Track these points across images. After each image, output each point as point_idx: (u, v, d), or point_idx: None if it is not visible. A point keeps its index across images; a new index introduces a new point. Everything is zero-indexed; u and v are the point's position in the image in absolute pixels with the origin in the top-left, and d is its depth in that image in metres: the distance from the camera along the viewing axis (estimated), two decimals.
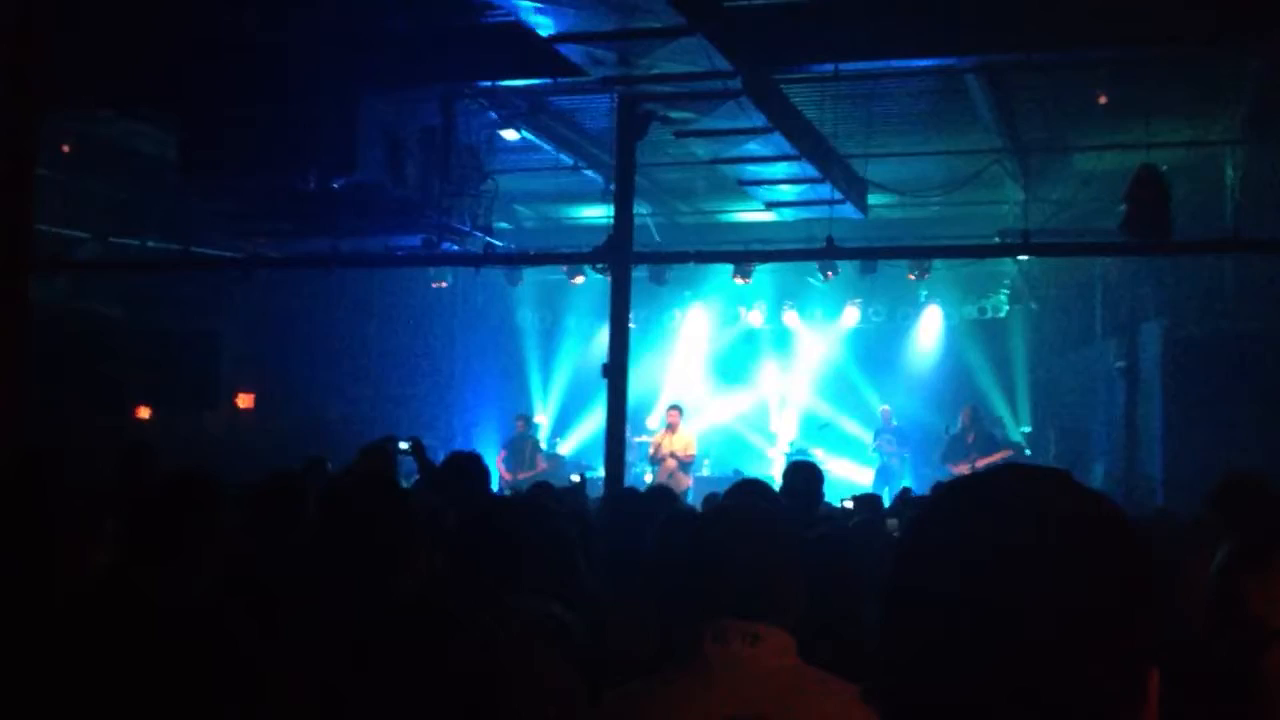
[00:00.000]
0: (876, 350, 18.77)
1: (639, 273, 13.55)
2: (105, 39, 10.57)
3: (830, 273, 15.14)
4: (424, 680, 2.80)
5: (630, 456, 14.77)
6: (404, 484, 7.62)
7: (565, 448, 19.36)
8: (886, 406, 17.62)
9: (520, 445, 17.33)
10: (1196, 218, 12.00)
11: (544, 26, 9.12)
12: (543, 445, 18.58)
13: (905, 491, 10.92)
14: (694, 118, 11.10)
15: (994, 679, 1.15)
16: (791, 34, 10.30)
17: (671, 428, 15.77)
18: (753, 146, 11.89)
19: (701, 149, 12.45)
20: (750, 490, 5.76)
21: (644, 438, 17.21)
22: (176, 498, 3.41)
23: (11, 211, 7.47)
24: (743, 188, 14.03)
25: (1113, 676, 1.16)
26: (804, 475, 7.01)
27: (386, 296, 16.83)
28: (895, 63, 11.11)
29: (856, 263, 14.27)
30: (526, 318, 20.14)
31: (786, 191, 13.66)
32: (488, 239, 13.51)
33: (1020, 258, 15.30)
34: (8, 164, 7.39)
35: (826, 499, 7.83)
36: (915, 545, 1.25)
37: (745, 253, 14.03)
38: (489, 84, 11.89)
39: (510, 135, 13.15)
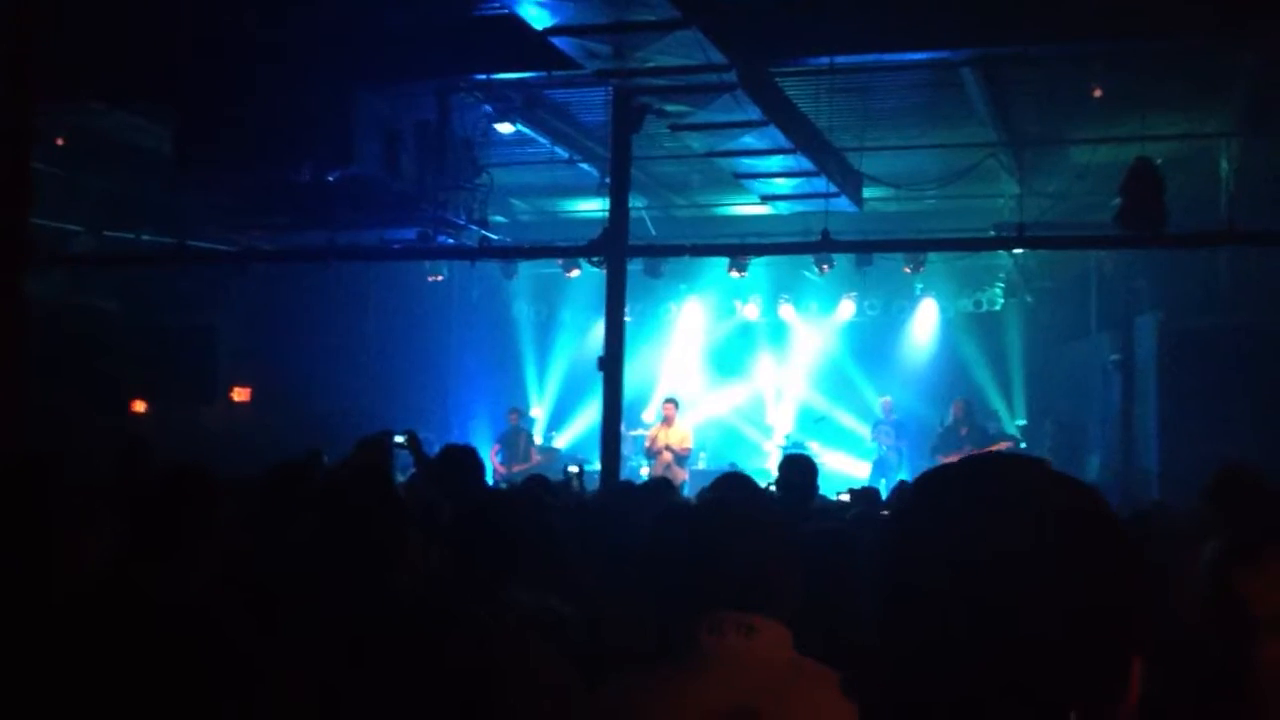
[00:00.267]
0: (872, 343, 18.77)
1: (634, 266, 13.57)
2: (100, 32, 10.55)
3: (826, 266, 15.13)
4: (421, 676, 2.81)
5: (626, 450, 14.78)
6: (400, 477, 7.64)
7: (561, 441, 19.36)
8: (888, 398, 17.61)
9: (514, 439, 17.34)
10: (1191, 211, 12.01)
11: (539, 19, 9.12)
12: (539, 439, 18.59)
13: (902, 484, 10.92)
14: (689, 111, 11.10)
15: (991, 675, 1.15)
16: (787, 27, 10.30)
17: (667, 421, 15.77)
18: (748, 140, 11.89)
19: (697, 142, 12.44)
20: (735, 484, 5.77)
21: (640, 431, 17.23)
22: (173, 494, 3.41)
23: (8, 206, 7.47)
24: (738, 181, 14.02)
25: (1106, 670, 1.17)
26: (798, 468, 7.01)
27: (382, 290, 16.80)
28: (890, 56, 11.10)
29: (852, 256, 14.26)
30: (522, 311, 20.12)
31: (782, 185, 13.65)
32: (483, 232, 13.50)
33: (1015, 251, 15.29)
34: (4, 158, 7.38)
35: (822, 492, 7.84)
36: (909, 542, 1.25)
37: (741, 246, 14.03)
38: (484, 77, 11.87)
39: (505, 128, 13.13)
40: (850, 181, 14.18)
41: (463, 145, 12.87)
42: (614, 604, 4.07)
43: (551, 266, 17.27)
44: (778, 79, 11.65)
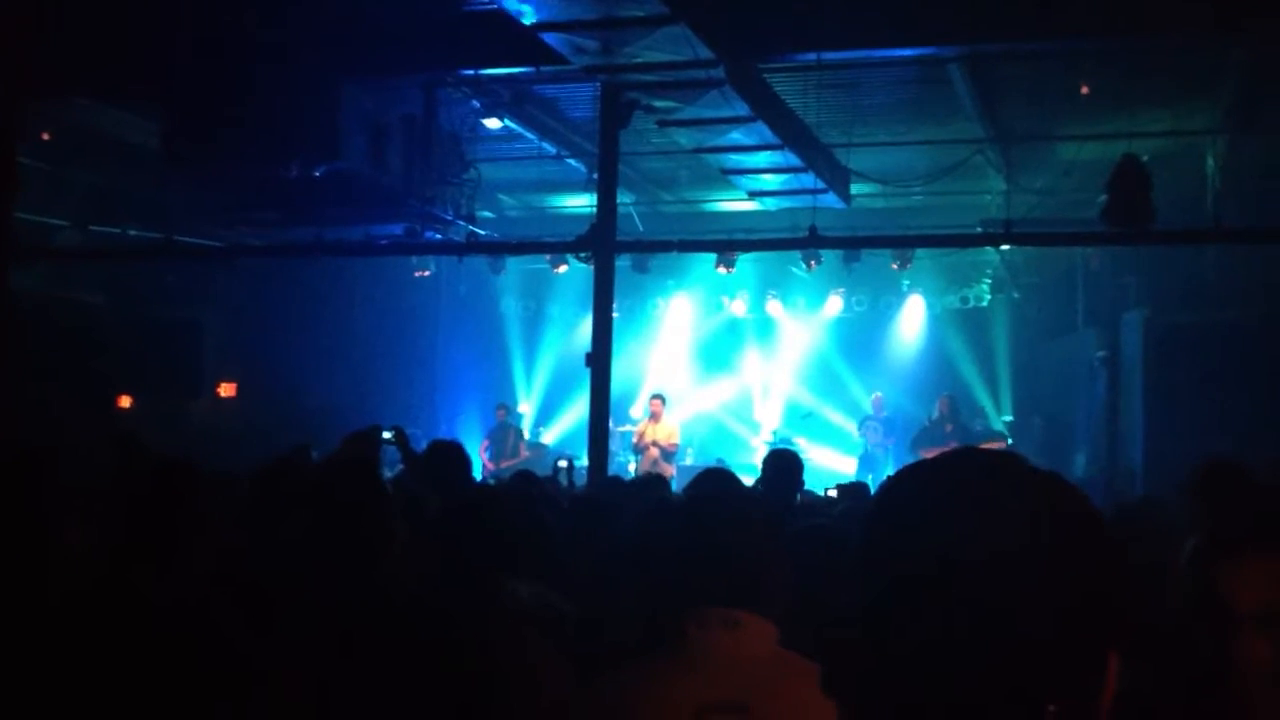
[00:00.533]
0: (859, 339, 18.81)
1: (622, 262, 13.54)
2: (87, 28, 10.51)
3: (813, 262, 15.17)
4: (417, 674, 2.80)
5: (613, 445, 14.79)
6: (388, 473, 7.61)
7: (549, 436, 19.37)
8: (879, 394, 17.65)
9: (503, 434, 17.35)
10: (1178, 207, 12.04)
11: (527, 15, 9.11)
12: (526, 434, 18.58)
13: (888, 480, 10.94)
14: (677, 107, 11.10)
15: (988, 677, 1.15)
16: (774, 23, 10.30)
17: (655, 417, 15.79)
18: (736, 135, 11.90)
19: (685, 138, 12.44)
20: (717, 479, 5.77)
21: (627, 427, 17.23)
22: (166, 490, 3.39)
23: None
24: (726, 177, 14.03)
25: (1087, 667, 1.18)
26: (784, 464, 7.02)
27: (369, 285, 16.76)
28: (878, 52, 11.10)
29: (839, 252, 14.30)
30: (510, 306, 20.11)
31: (769, 181, 13.66)
32: (471, 228, 13.47)
33: (1002, 247, 15.30)
34: None
35: (809, 487, 7.85)
36: (896, 537, 1.25)
37: (728, 242, 14.03)
38: (472, 72, 11.85)
39: (493, 124, 13.10)
40: (838, 177, 14.20)
41: (450, 140, 12.84)
42: (607, 599, 4.07)
43: (539, 262, 17.25)
44: (765, 75, 11.65)
